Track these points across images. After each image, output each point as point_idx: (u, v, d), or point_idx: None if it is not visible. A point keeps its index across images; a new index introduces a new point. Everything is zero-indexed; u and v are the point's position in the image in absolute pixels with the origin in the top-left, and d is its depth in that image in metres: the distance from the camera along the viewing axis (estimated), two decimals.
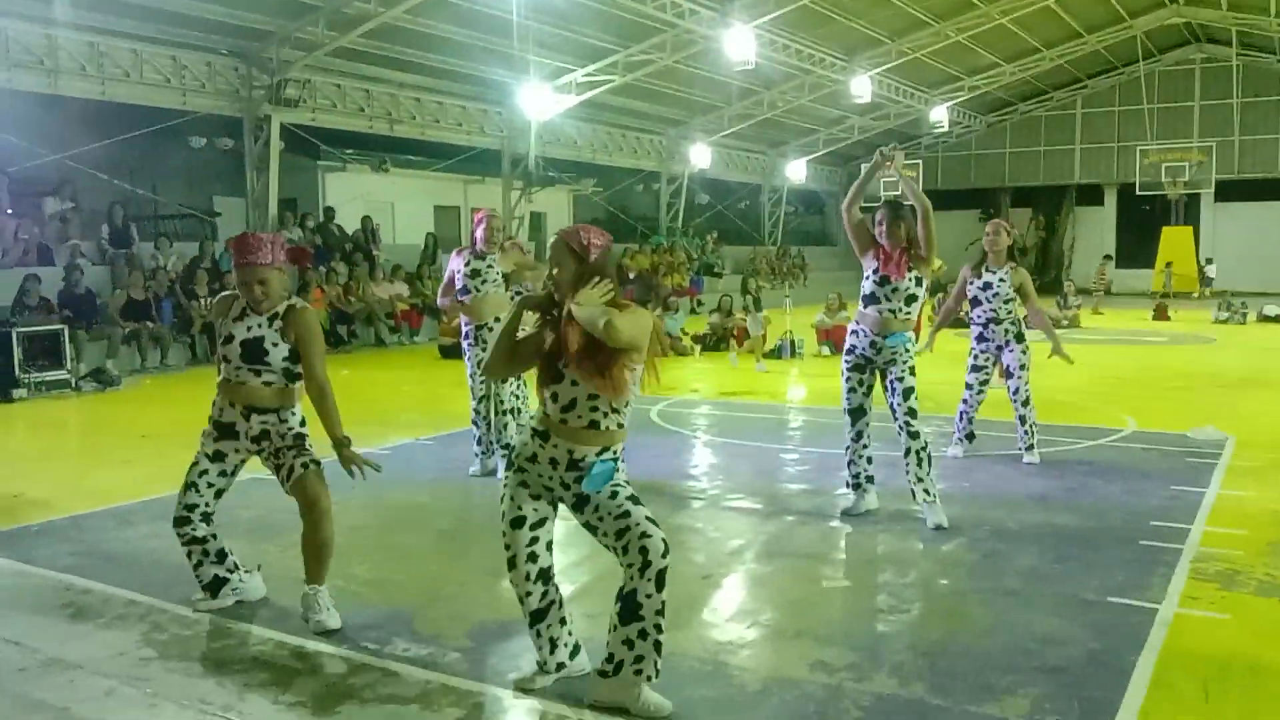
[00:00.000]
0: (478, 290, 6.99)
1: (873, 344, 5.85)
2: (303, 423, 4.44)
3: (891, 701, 3.58)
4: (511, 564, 3.61)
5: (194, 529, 4.43)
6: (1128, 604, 4.50)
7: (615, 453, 3.52)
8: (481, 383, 7.10)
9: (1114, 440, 8.39)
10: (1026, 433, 7.49)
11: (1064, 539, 5.53)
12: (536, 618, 3.65)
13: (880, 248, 5.85)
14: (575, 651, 3.75)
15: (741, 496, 6.66)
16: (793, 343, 14.96)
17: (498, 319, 6.93)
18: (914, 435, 5.81)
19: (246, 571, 4.62)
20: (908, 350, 5.82)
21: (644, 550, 3.39)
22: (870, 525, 5.89)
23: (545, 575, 3.64)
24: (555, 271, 3.54)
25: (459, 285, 7.06)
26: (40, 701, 3.60)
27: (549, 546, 3.66)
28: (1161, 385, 11.98)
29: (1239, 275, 28.25)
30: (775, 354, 14.95)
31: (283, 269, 4.38)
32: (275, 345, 4.32)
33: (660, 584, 3.41)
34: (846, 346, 6.06)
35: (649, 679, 3.48)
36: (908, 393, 5.81)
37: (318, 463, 4.39)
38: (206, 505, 4.46)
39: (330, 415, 4.30)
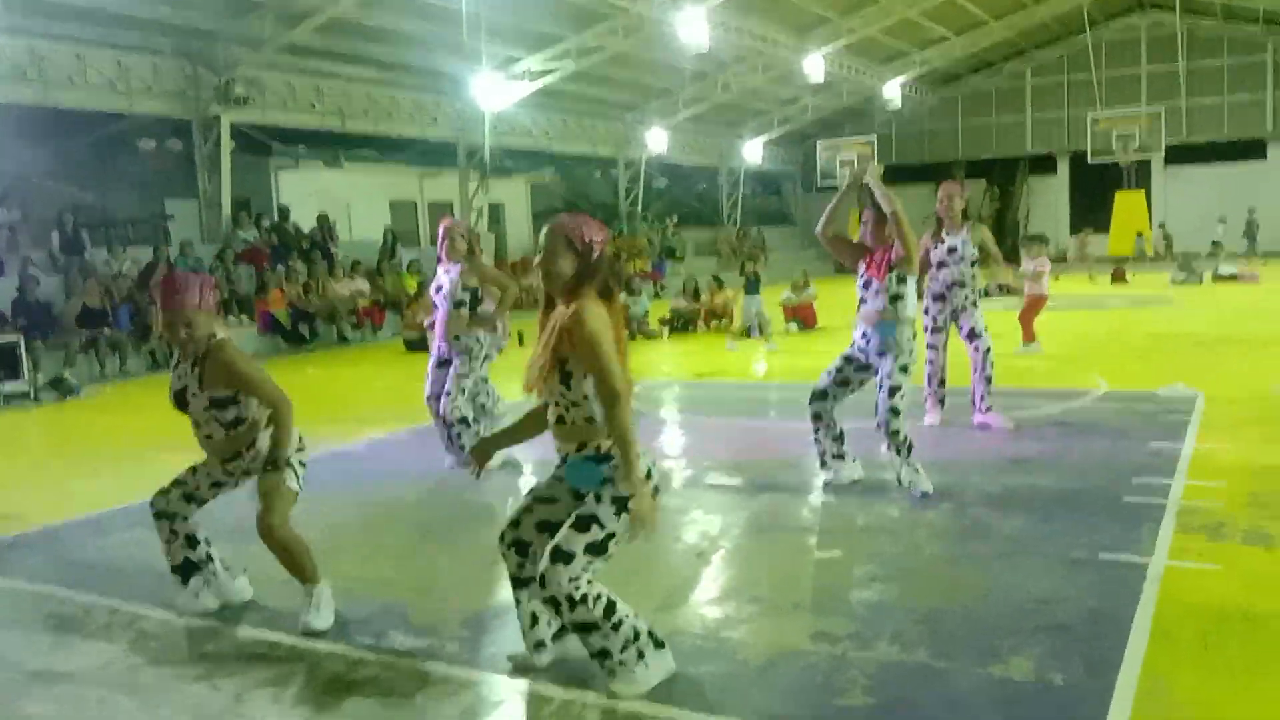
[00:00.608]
0: (438, 305, 7.00)
1: (864, 335, 5.88)
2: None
3: (896, 668, 3.58)
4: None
5: (166, 501, 4.36)
6: (1119, 560, 4.54)
7: (599, 450, 3.36)
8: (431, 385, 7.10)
9: (1087, 401, 8.47)
10: (990, 392, 7.55)
11: (1049, 500, 5.56)
12: (515, 584, 3.62)
13: (866, 251, 5.88)
14: (560, 634, 3.71)
15: (723, 474, 6.64)
16: (760, 322, 14.97)
17: (458, 337, 6.91)
18: (893, 434, 5.77)
19: (229, 573, 4.50)
20: (898, 345, 5.74)
21: (542, 573, 3.31)
22: (855, 496, 5.89)
23: (519, 546, 3.55)
24: (550, 264, 3.38)
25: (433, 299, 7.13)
26: (31, 716, 3.50)
27: (539, 526, 3.54)
28: (1128, 346, 12.13)
29: (1191, 237, 28.66)
30: (744, 333, 14.95)
31: (211, 312, 4.19)
32: (195, 396, 4.20)
33: (554, 609, 3.32)
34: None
35: (611, 674, 3.43)
36: (893, 391, 5.76)
37: (275, 465, 4.18)
38: (195, 488, 4.37)
39: (278, 433, 4.16)
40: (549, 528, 3.54)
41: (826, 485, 6.07)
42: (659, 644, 3.49)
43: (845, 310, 12.66)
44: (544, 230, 3.47)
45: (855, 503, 5.77)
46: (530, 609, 3.63)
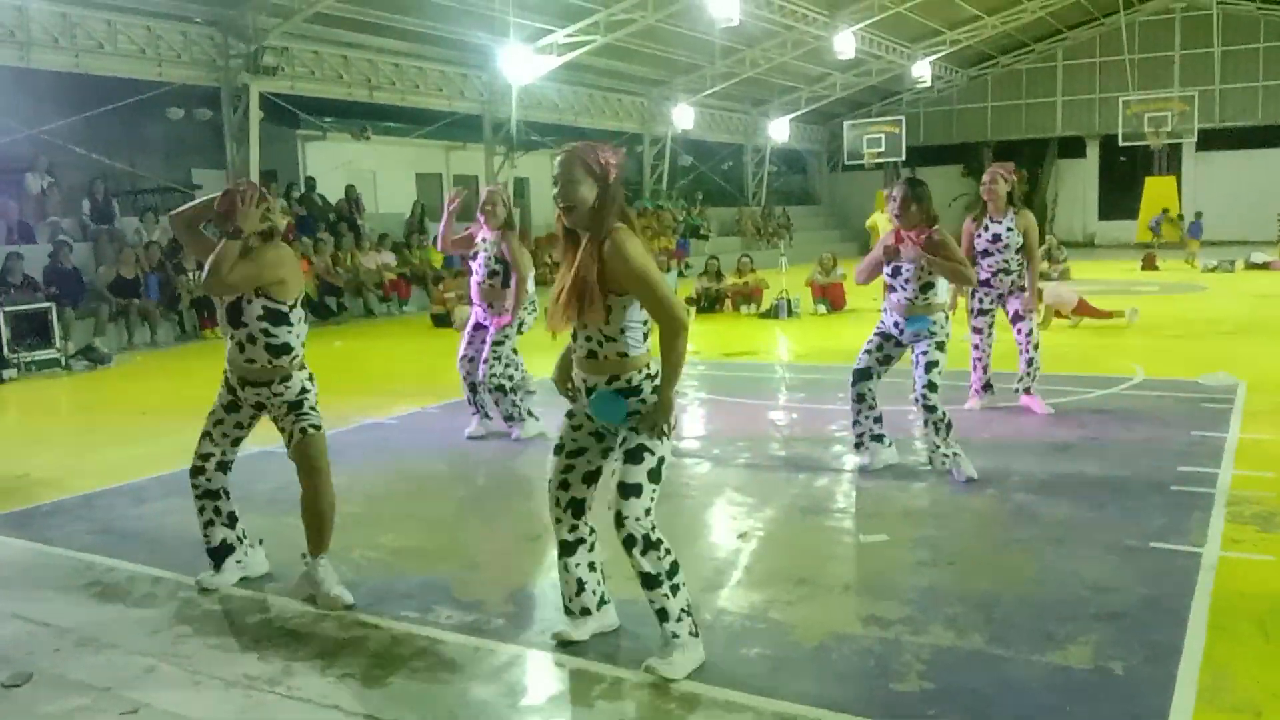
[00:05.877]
0: (474, 271, 7.00)
1: (896, 325, 5.83)
2: (302, 390, 4.18)
3: (952, 654, 3.53)
4: (548, 488, 3.60)
5: (208, 479, 4.31)
6: (1171, 549, 4.47)
7: (629, 383, 3.37)
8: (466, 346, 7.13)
9: (1126, 389, 8.36)
10: (1030, 375, 7.48)
11: (1095, 487, 5.49)
12: (564, 549, 3.61)
13: (894, 236, 5.78)
14: (602, 603, 3.69)
15: (756, 456, 6.58)
16: (789, 302, 14.87)
17: (492, 303, 6.93)
18: (929, 409, 5.70)
19: (250, 545, 4.47)
20: (932, 333, 5.71)
21: (613, 512, 3.33)
22: (896, 480, 5.82)
23: (576, 506, 3.57)
24: (571, 193, 3.27)
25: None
26: (80, 682, 3.49)
27: (585, 480, 3.57)
28: (1162, 334, 11.96)
29: (1222, 224, 28.27)
30: (772, 313, 14.86)
31: (252, 214, 4.06)
32: (249, 302, 4.07)
33: (629, 548, 3.32)
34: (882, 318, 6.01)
35: (664, 643, 3.42)
36: (929, 366, 5.70)
37: (317, 427, 4.18)
38: (223, 454, 4.34)
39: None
40: (593, 479, 3.60)
41: (862, 469, 6.01)
42: (694, 632, 3.46)
43: (873, 291, 12.51)
44: (559, 159, 3.33)
45: (894, 487, 5.71)
46: (577, 575, 3.63)
